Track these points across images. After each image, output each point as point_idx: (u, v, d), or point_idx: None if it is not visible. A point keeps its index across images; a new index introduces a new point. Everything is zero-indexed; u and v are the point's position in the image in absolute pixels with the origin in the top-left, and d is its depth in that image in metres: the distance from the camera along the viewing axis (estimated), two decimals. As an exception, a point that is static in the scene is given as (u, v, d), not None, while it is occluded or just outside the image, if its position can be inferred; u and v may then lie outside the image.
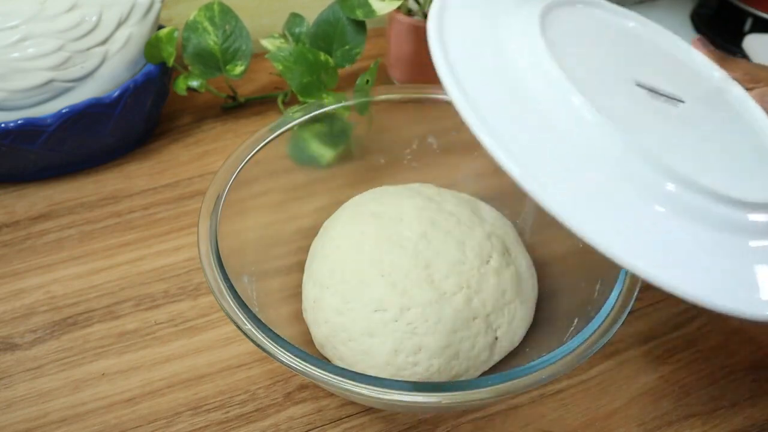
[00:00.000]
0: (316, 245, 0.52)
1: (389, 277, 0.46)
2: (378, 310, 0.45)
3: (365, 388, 0.37)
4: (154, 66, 0.64)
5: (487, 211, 0.54)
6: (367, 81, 0.62)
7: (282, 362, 0.39)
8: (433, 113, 0.58)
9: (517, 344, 0.48)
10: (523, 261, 0.51)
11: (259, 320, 0.41)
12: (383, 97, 0.57)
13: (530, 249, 0.54)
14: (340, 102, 0.57)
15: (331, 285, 0.47)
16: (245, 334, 0.40)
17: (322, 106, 0.56)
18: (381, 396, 0.37)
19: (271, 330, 0.40)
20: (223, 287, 0.42)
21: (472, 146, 0.58)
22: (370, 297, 0.46)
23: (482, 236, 0.49)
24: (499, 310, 0.47)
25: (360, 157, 0.60)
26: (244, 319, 0.41)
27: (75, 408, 0.47)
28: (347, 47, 0.65)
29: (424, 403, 0.37)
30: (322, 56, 0.63)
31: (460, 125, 0.60)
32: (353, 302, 0.46)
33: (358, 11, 0.63)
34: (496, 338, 0.47)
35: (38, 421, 0.47)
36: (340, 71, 0.65)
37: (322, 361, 0.39)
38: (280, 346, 0.39)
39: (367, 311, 0.45)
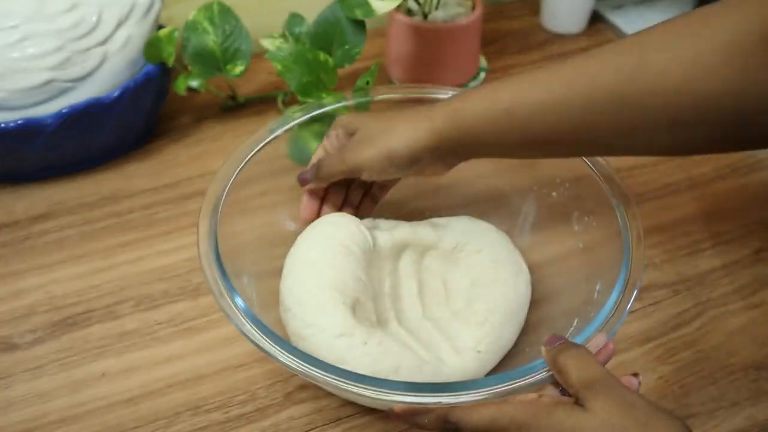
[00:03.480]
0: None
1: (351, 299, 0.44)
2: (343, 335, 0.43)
3: (365, 388, 0.37)
4: (153, 66, 0.64)
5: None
6: (368, 82, 0.62)
7: (281, 363, 0.39)
8: (433, 113, 0.58)
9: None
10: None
11: (259, 320, 0.40)
12: (383, 97, 0.57)
13: (530, 249, 0.54)
14: (340, 102, 0.57)
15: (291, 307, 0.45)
16: (245, 334, 0.40)
17: (322, 106, 0.56)
18: (381, 396, 0.37)
19: (271, 330, 0.40)
20: (222, 287, 0.42)
21: (472, 146, 0.58)
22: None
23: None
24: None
25: (360, 157, 0.60)
26: (244, 320, 0.41)
27: (75, 408, 0.47)
28: (347, 47, 0.65)
29: (424, 403, 0.37)
30: (322, 56, 0.63)
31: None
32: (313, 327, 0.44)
33: (357, 11, 0.63)
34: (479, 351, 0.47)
35: (38, 422, 0.47)
36: (339, 71, 0.65)
37: (321, 361, 0.39)
38: (280, 347, 0.39)
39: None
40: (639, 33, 0.41)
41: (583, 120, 0.41)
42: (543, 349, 0.38)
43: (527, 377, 0.38)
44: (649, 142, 0.41)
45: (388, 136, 0.46)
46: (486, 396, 0.37)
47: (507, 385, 0.37)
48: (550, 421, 0.34)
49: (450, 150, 0.46)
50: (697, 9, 0.39)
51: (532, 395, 0.37)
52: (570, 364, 0.36)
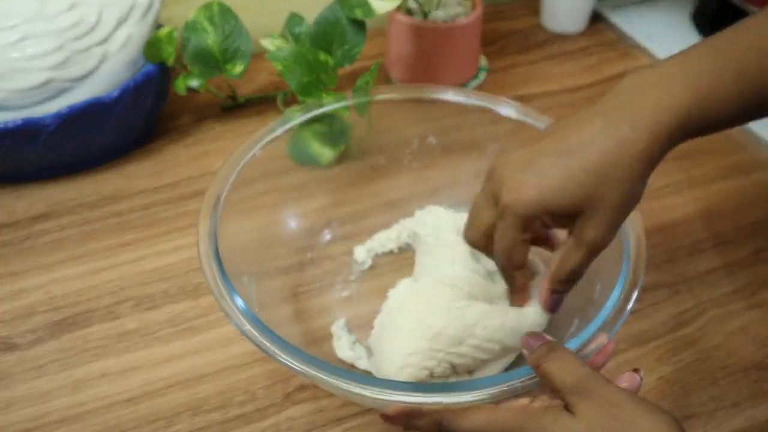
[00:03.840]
0: None
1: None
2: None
3: (365, 388, 0.37)
4: (153, 66, 0.64)
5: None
6: (368, 82, 0.62)
7: (281, 363, 0.39)
8: (433, 113, 0.58)
9: None
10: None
11: (259, 320, 0.40)
12: (383, 96, 0.57)
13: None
14: (340, 102, 0.57)
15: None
16: (245, 334, 0.40)
17: (322, 106, 0.56)
18: (381, 396, 0.37)
19: (271, 330, 0.40)
20: (222, 287, 0.42)
21: (472, 146, 0.58)
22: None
23: None
24: None
25: (360, 157, 0.60)
26: (243, 320, 0.41)
27: (75, 408, 0.47)
28: (347, 47, 0.65)
29: (425, 403, 0.37)
30: (322, 56, 0.63)
31: (460, 125, 0.60)
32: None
33: (357, 11, 0.63)
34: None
35: (38, 422, 0.47)
36: (339, 71, 0.65)
37: (322, 361, 0.39)
38: (280, 347, 0.39)
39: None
40: None
41: None
42: (524, 351, 0.39)
43: (527, 378, 0.38)
44: None
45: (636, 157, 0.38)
46: (486, 396, 0.37)
47: (507, 385, 0.37)
48: (538, 426, 0.34)
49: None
50: None
51: (524, 400, 0.37)
52: (553, 370, 0.36)
